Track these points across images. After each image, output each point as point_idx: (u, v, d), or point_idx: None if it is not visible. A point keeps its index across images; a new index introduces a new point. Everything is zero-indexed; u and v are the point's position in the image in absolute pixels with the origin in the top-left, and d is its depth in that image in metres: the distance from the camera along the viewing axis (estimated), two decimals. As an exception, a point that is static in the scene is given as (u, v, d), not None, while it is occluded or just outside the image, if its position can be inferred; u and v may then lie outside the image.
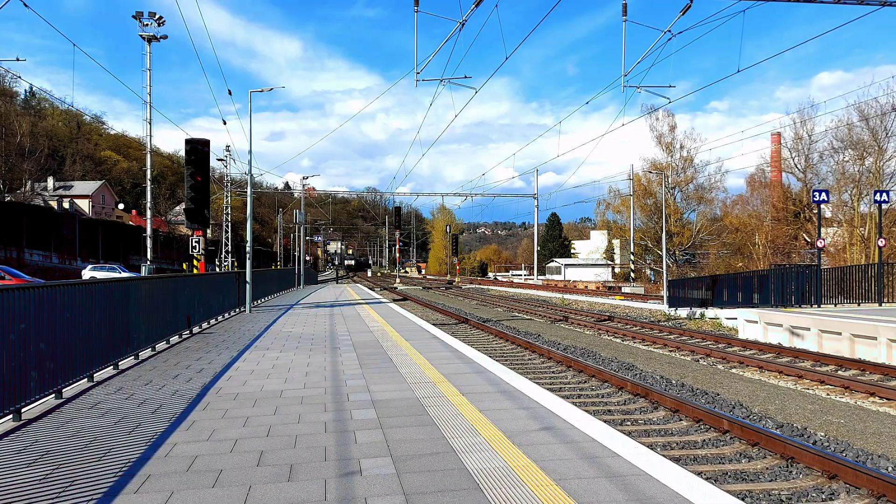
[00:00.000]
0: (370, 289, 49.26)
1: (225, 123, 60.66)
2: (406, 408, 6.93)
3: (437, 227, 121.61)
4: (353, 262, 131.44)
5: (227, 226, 60.63)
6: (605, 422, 7.83)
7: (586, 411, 8.06)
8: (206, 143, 19.49)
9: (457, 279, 78.29)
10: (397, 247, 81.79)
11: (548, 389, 9.27)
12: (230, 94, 25.44)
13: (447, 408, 6.89)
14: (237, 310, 21.28)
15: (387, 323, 17.17)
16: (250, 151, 23.45)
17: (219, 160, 61.67)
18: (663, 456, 6.19)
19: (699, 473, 6.82)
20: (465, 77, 20.19)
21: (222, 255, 58.04)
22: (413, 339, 13.39)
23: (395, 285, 62.09)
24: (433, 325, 18.40)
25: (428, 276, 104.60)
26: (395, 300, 37.18)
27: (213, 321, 17.52)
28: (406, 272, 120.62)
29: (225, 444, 5.62)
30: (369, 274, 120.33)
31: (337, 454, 5.27)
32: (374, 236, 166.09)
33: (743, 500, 6.21)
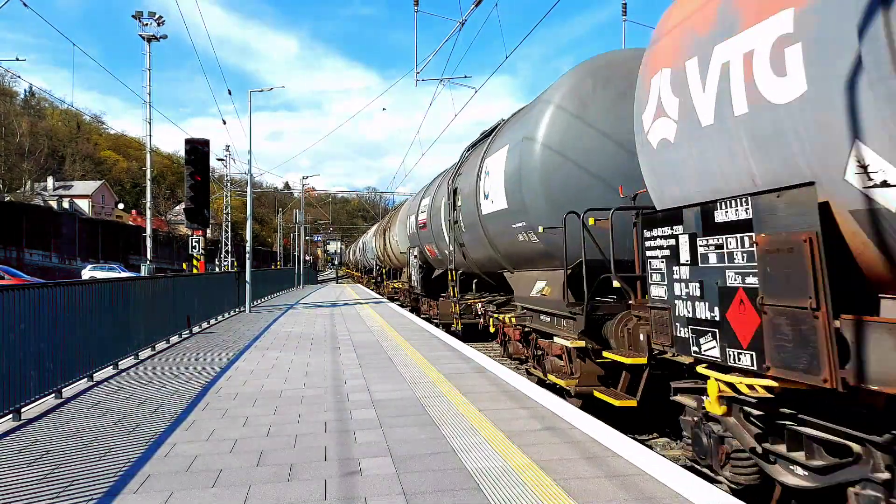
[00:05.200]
0: (370, 288, 49.21)
1: (224, 123, 60.76)
2: (406, 407, 6.93)
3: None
4: None
5: (226, 225, 60.59)
6: (606, 422, 7.81)
7: (588, 411, 8.04)
8: (205, 142, 19.52)
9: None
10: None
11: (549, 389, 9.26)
12: (230, 93, 25.50)
13: (447, 407, 6.89)
14: (237, 309, 21.28)
15: (387, 323, 17.16)
16: (250, 151, 23.48)
17: (218, 160, 61.64)
18: (663, 456, 6.18)
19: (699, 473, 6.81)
20: (465, 77, 20.22)
21: (222, 255, 58.00)
22: (413, 338, 13.38)
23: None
24: (434, 324, 18.38)
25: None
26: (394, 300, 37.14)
27: (213, 321, 17.51)
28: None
29: (225, 443, 5.62)
30: None
31: (337, 454, 5.26)
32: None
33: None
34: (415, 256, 21.63)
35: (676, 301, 5.44)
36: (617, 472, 4.73)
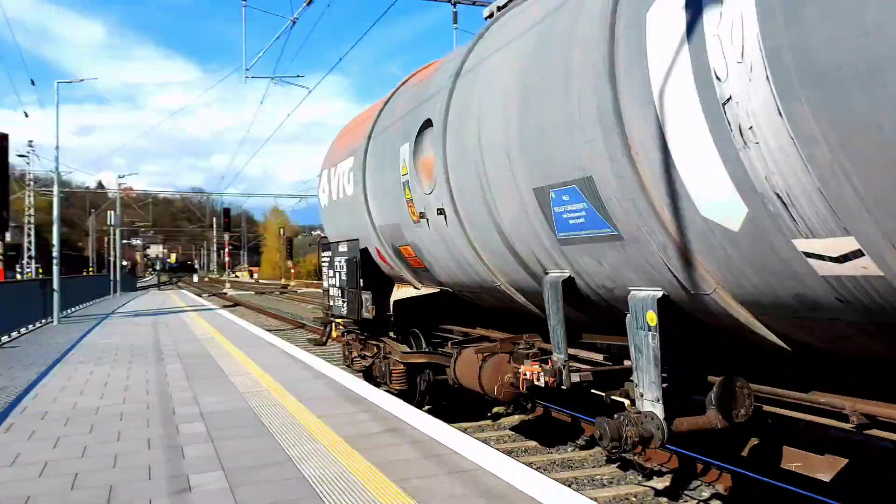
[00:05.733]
0: (197, 295, 46.75)
1: (27, 115, 54.70)
2: (239, 419, 6.65)
3: (271, 230, 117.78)
4: (177, 267, 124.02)
5: (29, 229, 54.68)
6: (443, 419, 8.00)
7: (425, 411, 8.17)
8: (4, 137, 17.53)
9: (292, 283, 76.40)
10: (227, 250, 78.38)
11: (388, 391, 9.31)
12: (33, 84, 23.11)
13: (284, 416, 6.70)
14: (44, 321, 19.34)
15: (217, 331, 16.37)
16: (57, 147, 21.40)
17: (19, 156, 55.39)
18: (497, 450, 6.44)
19: (529, 464, 7.17)
20: (298, 76, 19.79)
21: (25, 262, 52.28)
22: (246, 346, 12.88)
23: (224, 290, 59.25)
24: (268, 331, 17.80)
25: (261, 281, 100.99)
26: (225, 306, 35.52)
27: (14, 334, 15.76)
28: (237, 276, 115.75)
29: (33, 468, 5.07)
30: (196, 279, 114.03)
31: (164, 471, 4.93)
32: (201, 239, 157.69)
33: (570, 485, 6.61)
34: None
35: None
36: (456, 468, 4.85)
